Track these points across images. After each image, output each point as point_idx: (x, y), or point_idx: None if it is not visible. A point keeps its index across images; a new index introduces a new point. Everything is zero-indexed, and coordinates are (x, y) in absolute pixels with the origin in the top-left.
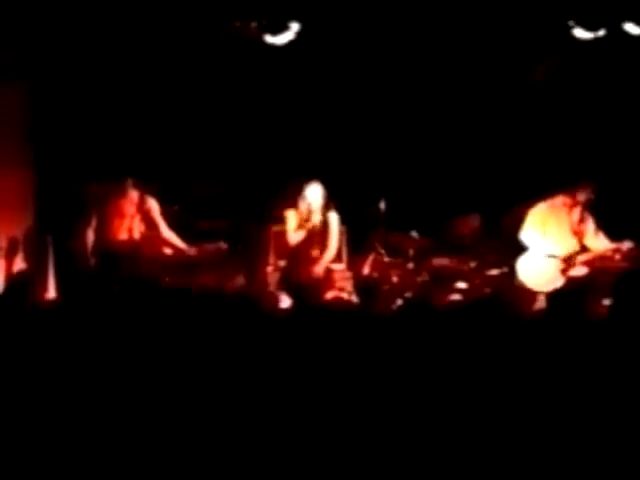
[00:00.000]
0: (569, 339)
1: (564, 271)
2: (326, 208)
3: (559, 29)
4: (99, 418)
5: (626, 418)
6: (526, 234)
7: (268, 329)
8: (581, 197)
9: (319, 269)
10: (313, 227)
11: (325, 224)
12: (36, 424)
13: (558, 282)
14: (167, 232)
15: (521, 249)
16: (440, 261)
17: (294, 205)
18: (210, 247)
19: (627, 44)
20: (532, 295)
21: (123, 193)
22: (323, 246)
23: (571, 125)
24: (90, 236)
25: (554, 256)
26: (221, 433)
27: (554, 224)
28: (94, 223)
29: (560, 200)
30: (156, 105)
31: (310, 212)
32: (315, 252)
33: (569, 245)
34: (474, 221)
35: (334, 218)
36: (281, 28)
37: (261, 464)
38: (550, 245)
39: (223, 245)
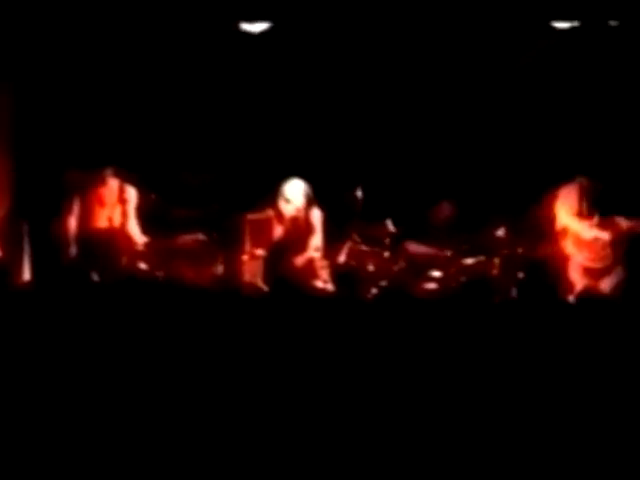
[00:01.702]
0: (545, 323)
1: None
2: (308, 204)
3: (538, 20)
4: (72, 405)
5: (608, 400)
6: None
7: (246, 318)
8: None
9: (301, 261)
10: (293, 221)
11: (307, 219)
12: (8, 413)
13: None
14: (133, 227)
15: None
16: (415, 248)
17: (274, 199)
18: (188, 238)
19: (606, 34)
20: (508, 281)
21: (104, 182)
22: (305, 238)
23: (551, 117)
24: (72, 224)
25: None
26: (200, 424)
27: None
28: (76, 211)
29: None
30: (135, 93)
31: (288, 206)
32: (297, 244)
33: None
34: (448, 209)
35: (317, 214)
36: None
37: (248, 455)
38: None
39: (201, 236)
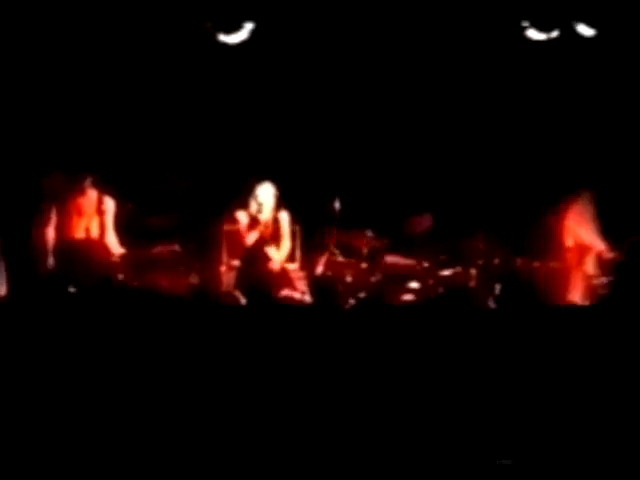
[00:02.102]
0: (524, 332)
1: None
2: (277, 207)
3: (512, 30)
4: (52, 414)
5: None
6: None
7: (223, 329)
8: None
9: (274, 267)
10: (265, 226)
11: (276, 223)
12: None
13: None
14: (111, 237)
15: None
16: (393, 259)
17: (245, 204)
18: (164, 249)
19: (580, 45)
20: (485, 292)
21: (82, 191)
22: (276, 245)
23: (532, 129)
24: (50, 234)
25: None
26: (178, 431)
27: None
28: (54, 221)
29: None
30: (112, 103)
31: (260, 211)
32: (268, 251)
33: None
34: (426, 221)
35: (284, 217)
36: (235, 27)
37: (222, 459)
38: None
39: (177, 247)
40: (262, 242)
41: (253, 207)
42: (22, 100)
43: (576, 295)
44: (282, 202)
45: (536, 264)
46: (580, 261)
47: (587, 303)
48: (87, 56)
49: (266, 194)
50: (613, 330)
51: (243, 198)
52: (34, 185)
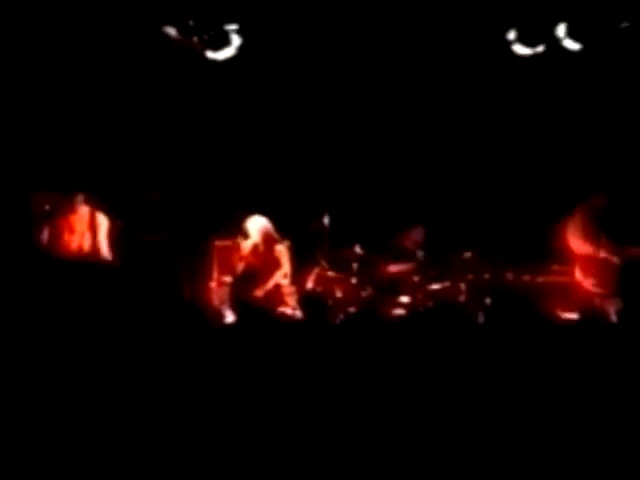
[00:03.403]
0: (514, 347)
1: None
2: (270, 241)
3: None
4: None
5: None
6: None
7: (212, 343)
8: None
9: (268, 286)
10: (254, 256)
11: (270, 254)
12: None
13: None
14: (103, 254)
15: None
16: (392, 267)
17: (236, 234)
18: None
19: (566, 60)
20: (475, 307)
21: (74, 209)
22: (268, 272)
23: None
24: (42, 249)
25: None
26: (167, 445)
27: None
28: (46, 236)
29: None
30: (103, 118)
31: (249, 243)
32: (259, 276)
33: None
34: (417, 234)
35: (282, 249)
36: (222, 43)
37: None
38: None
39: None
40: (252, 269)
41: (240, 237)
42: (12, 116)
43: (571, 308)
44: (276, 234)
45: (526, 278)
46: (581, 272)
47: (580, 316)
48: (76, 72)
49: (255, 226)
50: (605, 344)
51: (234, 225)
52: (24, 202)
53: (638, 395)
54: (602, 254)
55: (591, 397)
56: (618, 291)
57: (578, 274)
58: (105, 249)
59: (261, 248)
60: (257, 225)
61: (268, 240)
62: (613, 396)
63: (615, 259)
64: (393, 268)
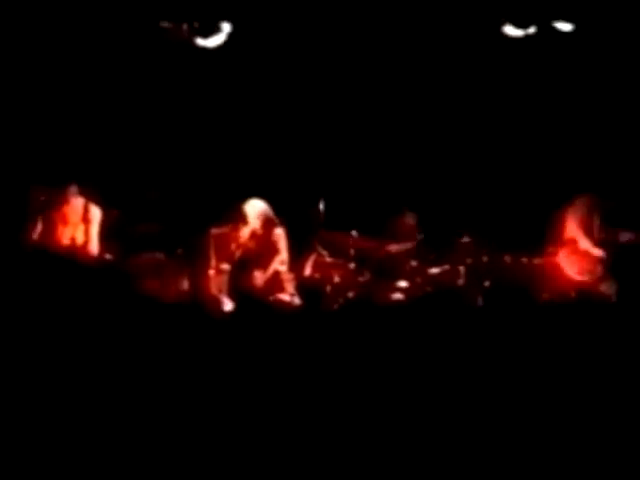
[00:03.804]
0: (514, 330)
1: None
2: (268, 225)
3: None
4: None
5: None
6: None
7: (212, 333)
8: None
9: (263, 277)
10: (253, 241)
11: (268, 238)
12: None
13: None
14: (96, 246)
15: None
16: (391, 247)
17: (234, 220)
18: (147, 257)
19: (558, 41)
20: (474, 290)
21: (67, 200)
22: (267, 257)
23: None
24: (35, 242)
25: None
26: (165, 440)
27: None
28: (39, 229)
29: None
30: (96, 110)
31: (248, 229)
32: (258, 262)
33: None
34: (411, 219)
35: (279, 234)
36: (212, 31)
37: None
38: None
39: (159, 255)
40: (251, 255)
41: (240, 222)
42: (6, 109)
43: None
44: (275, 218)
45: (524, 261)
46: (567, 257)
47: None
48: (67, 63)
49: (253, 210)
50: (603, 326)
51: (232, 211)
52: (19, 195)
53: (636, 379)
54: (584, 245)
55: (591, 380)
56: (615, 274)
57: (562, 259)
58: (96, 240)
59: (259, 232)
60: (255, 209)
61: (267, 224)
62: (613, 378)
63: (599, 252)
64: (393, 248)
